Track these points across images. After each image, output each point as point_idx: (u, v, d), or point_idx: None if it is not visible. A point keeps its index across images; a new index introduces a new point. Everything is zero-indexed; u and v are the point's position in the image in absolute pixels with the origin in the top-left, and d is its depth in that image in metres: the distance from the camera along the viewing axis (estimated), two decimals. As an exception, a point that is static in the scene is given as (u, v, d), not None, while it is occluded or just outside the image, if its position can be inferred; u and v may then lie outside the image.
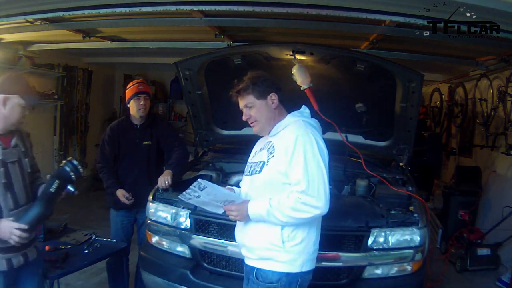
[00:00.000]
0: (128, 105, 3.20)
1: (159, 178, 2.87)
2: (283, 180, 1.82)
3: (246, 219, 1.89)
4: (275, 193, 1.81)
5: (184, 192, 1.88)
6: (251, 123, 1.97)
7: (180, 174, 3.09)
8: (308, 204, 1.74)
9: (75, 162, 2.04)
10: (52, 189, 1.97)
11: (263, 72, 2.04)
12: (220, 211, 1.97)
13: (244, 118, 1.98)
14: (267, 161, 1.87)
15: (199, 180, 1.81)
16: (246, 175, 2.01)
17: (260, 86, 1.92)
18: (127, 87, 3.23)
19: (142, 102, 3.15)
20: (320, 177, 1.76)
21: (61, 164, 2.03)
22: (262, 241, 1.85)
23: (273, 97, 1.93)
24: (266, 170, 1.87)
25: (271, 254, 1.83)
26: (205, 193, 1.86)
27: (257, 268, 1.87)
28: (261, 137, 2.07)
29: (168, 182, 2.84)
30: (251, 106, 1.93)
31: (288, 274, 1.82)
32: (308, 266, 1.87)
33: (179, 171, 3.07)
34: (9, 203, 1.96)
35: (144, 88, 3.23)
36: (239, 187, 2.07)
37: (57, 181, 1.98)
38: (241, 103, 1.96)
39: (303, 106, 2.04)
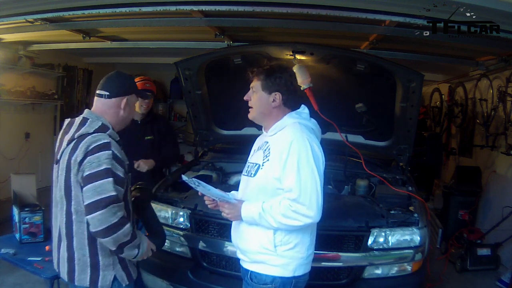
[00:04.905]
0: None
1: (140, 160, 3.03)
2: (277, 185, 1.79)
3: (238, 219, 1.87)
4: (268, 197, 1.80)
5: (189, 178, 1.86)
6: (249, 106, 1.95)
7: (160, 168, 3.32)
8: (299, 212, 1.71)
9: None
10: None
11: (290, 69, 1.99)
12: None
13: (245, 97, 1.95)
14: (262, 165, 1.85)
15: (193, 179, 1.80)
16: (244, 174, 1.99)
17: (270, 80, 1.87)
18: None
19: (146, 100, 3.17)
20: (313, 185, 1.72)
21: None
22: (255, 245, 1.84)
23: (276, 97, 1.87)
24: (260, 174, 1.84)
25: (263, 257, 1.82)
26: (200, 190, 1.86)
27: (251, 271, 1.87)
28: (260, 135, 2.06)
29: (141, 169, 3.02)
30: (255, 91, 1.91)
31: (281, 277, 1.81)
32: (301, 271, 1.84)
33: (160, 165, 3.27)
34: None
35: (150, 86, 3.30)
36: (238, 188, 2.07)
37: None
38: (251, 83, 1.95)
39: (302, 105, 1.97)
